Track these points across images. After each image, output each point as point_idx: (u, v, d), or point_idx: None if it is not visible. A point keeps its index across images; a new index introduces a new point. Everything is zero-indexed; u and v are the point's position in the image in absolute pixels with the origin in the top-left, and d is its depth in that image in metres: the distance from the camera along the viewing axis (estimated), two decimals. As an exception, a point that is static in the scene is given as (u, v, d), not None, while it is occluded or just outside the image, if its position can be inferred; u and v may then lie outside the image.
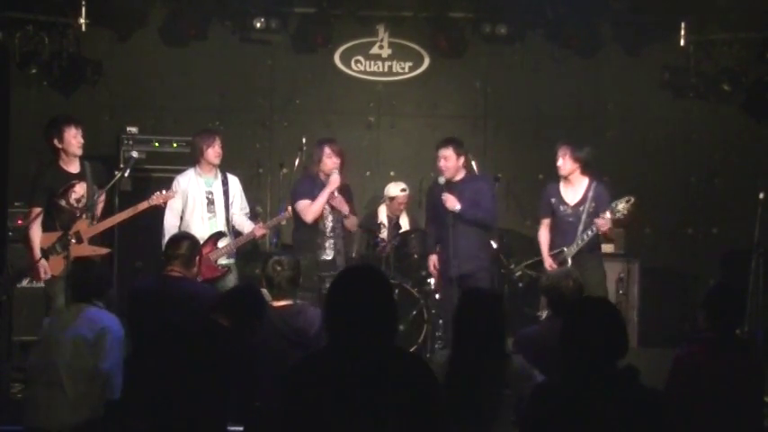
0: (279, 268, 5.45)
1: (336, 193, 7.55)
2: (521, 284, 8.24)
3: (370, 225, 8.73)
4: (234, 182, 7.84)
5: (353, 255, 8.11)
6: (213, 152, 7.62)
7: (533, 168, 9.52)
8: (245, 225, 7.73)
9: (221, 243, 7.55)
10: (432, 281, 8.48)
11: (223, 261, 7.53)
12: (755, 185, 8.25)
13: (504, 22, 9.34)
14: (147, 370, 4.59)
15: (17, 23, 8.54)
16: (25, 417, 5.27)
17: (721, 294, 4.85)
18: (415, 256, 8.30)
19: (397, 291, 7.81)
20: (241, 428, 5.10)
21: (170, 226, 7.55)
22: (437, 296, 8.54)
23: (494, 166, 8.83)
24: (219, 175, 7.72)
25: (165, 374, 4.50)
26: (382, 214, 8.89)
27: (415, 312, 8.10)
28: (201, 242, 7.45)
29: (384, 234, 8.60)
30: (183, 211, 7.60)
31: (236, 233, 7.73)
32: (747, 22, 8.99)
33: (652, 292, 8.75)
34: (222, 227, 7.62)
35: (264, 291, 5.73)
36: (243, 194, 7.90)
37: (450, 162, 7.53)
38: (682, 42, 9.33)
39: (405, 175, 9.30)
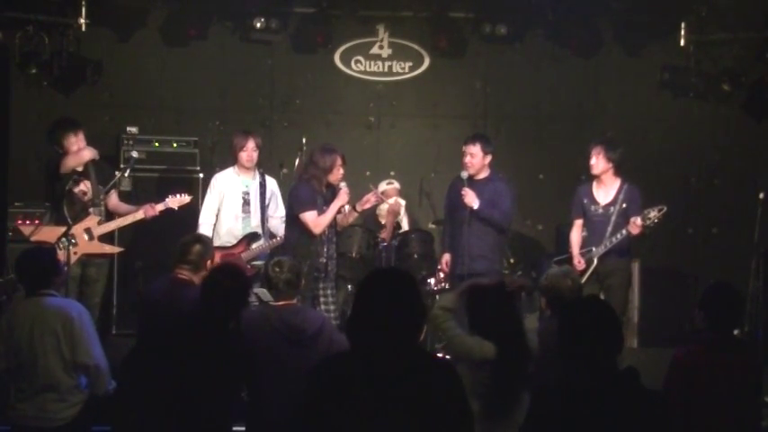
0: (278, 270, 5.45)
1: (347, 208, 7.55)
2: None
3: (371, 225, 8.73)
4: (271, 184, 7.87)
5: (354, 255, 8.09)
6: (245, 155, 7.68)
7: (533, 168, 9.56)
8: (280, 228, 7.74)
9: (255, 244, 7.61)
10: (432, 281, 8.48)
11: (255, 262, 7.57)
12: (755, 185, 8.26)
13: (504, 22, 9.35)
14: (150, 371, 4.59)
15: (17, 23, 8.55)
16: (16, 419, 5.15)
17: (719, 294, 4.84)
18: (415, 256, 8.28)
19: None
20: (243, 429, 5.13)
21: (205, 224, 7.65)
22: (437, 297, 8.54)
23: (494, 165, 8.83)
24: (258, 177, 7.76)
25: (167, 375, 4.51)
26: (383, 213, 8.89)
27: (414, 312, 8.08)
28: (236, 241, 7.55)
29: (383, 233, 8.62)
30: (218, 209, 7.67)
31: (270, 235, 7.75)
32: (747, 22, 9.00)
33: (652, 292, 8.75)
34: (256, 227, 7.67)
35: (264, 290, 5.76)
36: (279, 197, 7.90)
37: (476, 159, 7.55)
38: (682, 42, 9.35)
39: (405, 174, 9.31)
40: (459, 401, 3.33)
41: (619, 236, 7.33)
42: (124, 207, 7.70)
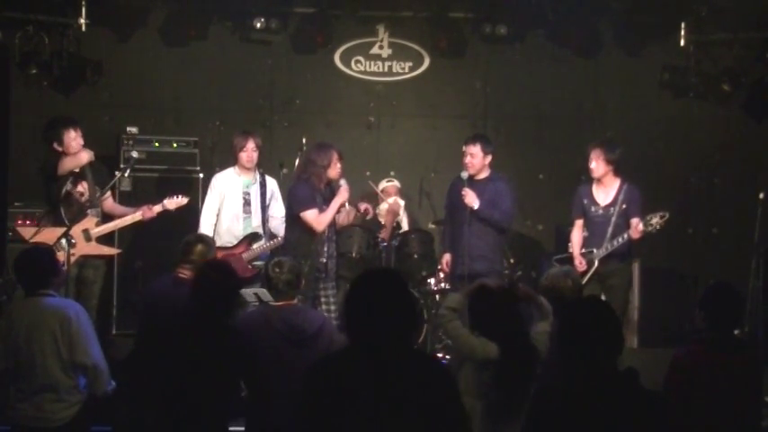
0: (278, 270, 5.46)
1: (347, 206, 7.57)
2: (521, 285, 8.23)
3: (370, 225, 8.73)
4: (272, 184, 7.88)
5: (354, 255, 8.09)
6: (245, 155, 7.70)
7: (533, 168, 9.56)
8: (280, 228, 7.75)
9: (255, 244, 7.64)
10: (432, 281, 8.48)
11: (256, 262, 7.59)
12: (755, 185, 8.26)
13: (504, 22, 9.35)
14: (150, 371, 4.60)
15: (17, 23, 8.55)
16: (16, 419, 5.13)
17: (719, 294, 4.85)
18: (415, 256, 8.29)
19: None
20: (243, 429, 5.13)
21: (206, 224, 7.66)
22: (437, 297, 8.54)
23: (493, 165, 8.84)
24: (258, 177, 7.77)
25: (167, 375, 4.52)
26: (382, 212, 8.90)
27: (414, 312, 8.08)
28: (236, 242, 7.56)
29: (383, 233, 8.62)
30: (219, 210, 7.69)
31: (271, 235, 7.75)
32: (747, 22, 9.00)
33: (652, 292, 8.74)
34: (257, 228, 7.69)
35: (264, 290, 5.77)
36: (280, 198, 7.91)
37: (477, 159, 7.56)
38: (682, 42, 9.36)
39: (405, 174, 9.32)
40: (456, 401, 3.34)
41: (620, 239, 7.32)
42: (120, 209, 7.70)
